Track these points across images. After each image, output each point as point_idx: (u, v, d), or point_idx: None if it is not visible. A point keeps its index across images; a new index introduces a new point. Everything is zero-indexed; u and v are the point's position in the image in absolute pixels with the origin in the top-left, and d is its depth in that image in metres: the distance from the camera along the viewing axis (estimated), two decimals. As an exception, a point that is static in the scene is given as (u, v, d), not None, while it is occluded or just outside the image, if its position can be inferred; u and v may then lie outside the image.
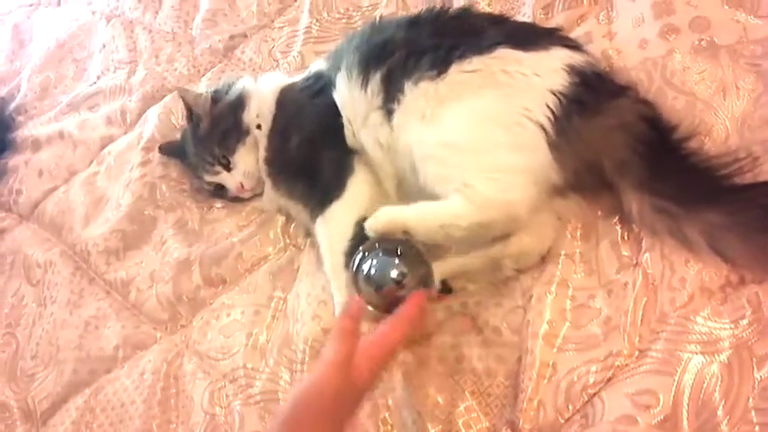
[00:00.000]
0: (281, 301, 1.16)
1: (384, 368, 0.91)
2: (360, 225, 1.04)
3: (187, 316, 1.23)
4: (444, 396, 0.96)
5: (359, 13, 1.45)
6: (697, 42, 1.03)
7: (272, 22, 1.55)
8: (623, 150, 0.93)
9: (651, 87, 1.03)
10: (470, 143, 0.97)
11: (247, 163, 1.23)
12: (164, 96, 1.55)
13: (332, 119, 1.13)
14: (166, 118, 1.48)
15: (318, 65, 1.24)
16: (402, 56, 1.05)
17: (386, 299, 0.93)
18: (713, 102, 0.98)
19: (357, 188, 1.11)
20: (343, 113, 1.13)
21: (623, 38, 1.11)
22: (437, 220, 0.94)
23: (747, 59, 0.99)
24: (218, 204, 1.33)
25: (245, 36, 1.57)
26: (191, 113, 1.29)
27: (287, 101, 1.22)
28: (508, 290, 1.01)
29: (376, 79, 1.07)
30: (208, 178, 1.26)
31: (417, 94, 1.03)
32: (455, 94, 1.00)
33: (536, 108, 0.95)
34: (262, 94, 1.24)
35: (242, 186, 1.24)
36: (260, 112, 1.22)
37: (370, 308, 0.95)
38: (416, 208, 0.96)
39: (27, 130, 1.72)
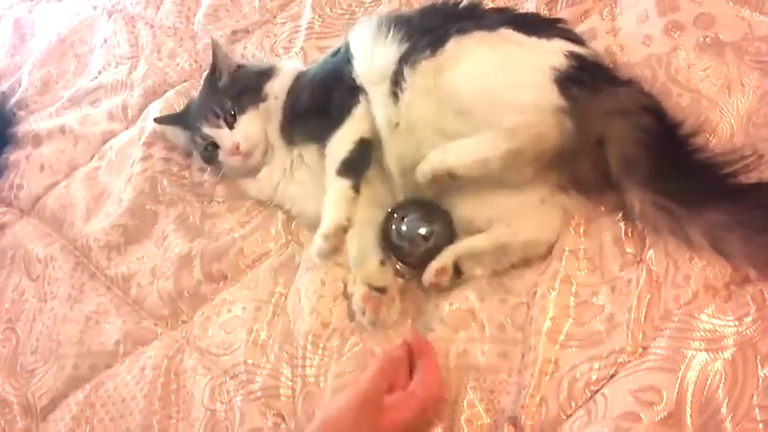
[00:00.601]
0: (282, 297, 1.15)
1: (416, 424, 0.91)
2: (361, 142, 1.11)
3: (188, 311, 1.22)
4: (446, 391, 0.95)
5: (361, 9, 1.45)
6: (702, 39, 1.03)
7: (275, 17, 1.55)
8: (629, 143, 0.93)
9: (655, 84, 1.02)
10: (485, 102, 1.00)
11: (252, 126, 1.21)
12: (165, 91, 1.55)
13: (343, 66, 1.16)
14: (168, 113, 1.47)
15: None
16: (417, 40, 1.08)
17: (416, 253, 1.05)
18: (718, 99, 0.98)
19: (360, 114, 1.13)
20: (355, 54, 1.15)
21: (627, 34, 1.11)
22: (474, 155, 0.98)
23: (752, 56, 0.99)
24: (219, 199, 1.33)
25: (248, 31, 1.56)
26: (215, 67, 1.28)
27: (301, 76, 1.25)
28: (512, 286, 1.00)
29: (400, 51, 1.09)
30: (206, 130, 1.22)
31: (417, 75, 1.05)
32: (454, 59, 1.03)
33: (540, 71, 0.98)
34: (287, 72, 1.26)
35: (237, 148, 1.20)
36: (280, 86, 1.23)
37: (399, 266, 1.08)
38: (454, 149, 1.00)
39: (28, 125, 1.72)
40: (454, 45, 1.04)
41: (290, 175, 1.22)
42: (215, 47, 1.28)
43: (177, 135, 1.38)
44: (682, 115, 0.97)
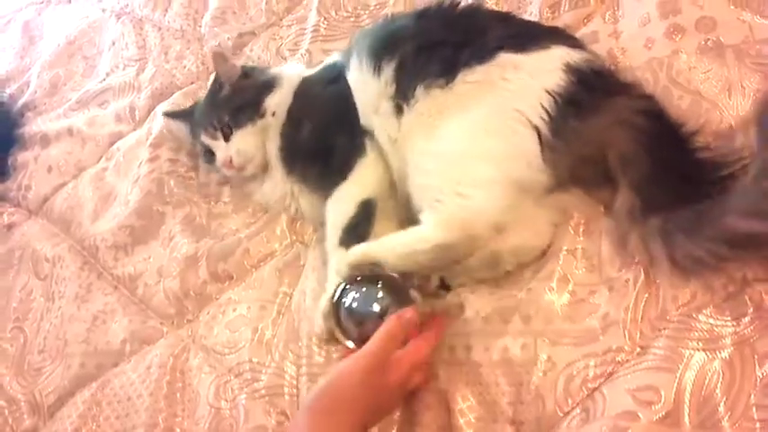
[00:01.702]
0: (287, 297, 1.16)
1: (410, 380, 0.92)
2: (364, 205, 1.09)
3: (194, 311, 1.24)
4: (441, 387, 0.97)
5: (366, 12, 1.45)
6: (703, 42, 1.04)
7: (281, 20, 1.56)
8: (627, 143, 0.93)
9: (657, 87, 1.03)
10: (453, 154, 1.01)
11: (246, 142, 1.22)
12: (172, 93, 1.56)
13: (345, 103, 1.15)
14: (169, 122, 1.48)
15: (334, 57, 1.27)
16: (413, 47, 1.07)
17: (367, 333, 0.94)
18: (719, 101, 0.98)
19: (365, 170, 1.12)
20: (355, 96, 1.14)
21: (629, 37, 1.11)
22: (402, 248, 0.99)
23: (753, 59, 0.99)
24: (225, 199, 1.34)
25: (254, 34, 1.58)
26: (217, 78, 1.29)
27: (302, 93, 1.24)
28: (508, 284, 1.01)
29: (390, 69, 1.08)
30: (204, 139, 1.24)
31: (428, 101, 1.05)
32: (456, 106, 1.02)
33: (530, 109, 0.97)
34: (289, 83, 1.25)
35: (230, 161, 1.21)
36: (279, 101, 1.23)
37: (348, 342, 0.98)
38: (384, 240, 1.01)
39: (36, 126, 1.74)
40: (461, 86, 1.03)
41: (291, 193, 1.23)
42: (216, 58, 1.28)
43: (182, 131, 1.39)
44: (683, 117, 0.97)
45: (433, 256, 0.97)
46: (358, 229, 1.09)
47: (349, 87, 1.16)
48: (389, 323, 0.91)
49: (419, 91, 1.05)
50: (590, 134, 0.96)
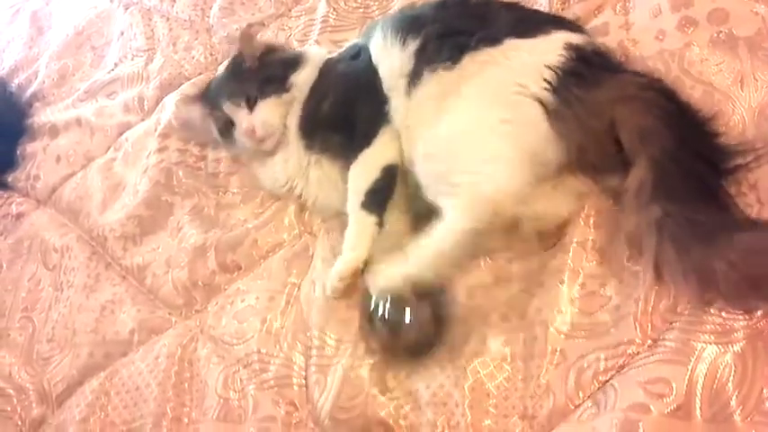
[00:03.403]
0: (296, 288, 1.16)
1: None
2: (388, 169, 1.10)
3: (202, 301, 1.24)
4: (449, 379, 0.97)
5: (376, 3, 1.45)
6: (716, 35, 1.03)
7: (290, 10, 1.56)
8: (643, 117, 0.93)
9: (668, 77, 1.02)
10: (462, 135, 1.01)
11: (270, 114, 1.21)
12: (181, 84, 1.56)
13: (368, 74, 1.16)
14: (184, 105, 1.48)
15: (354, 41, 1.29)
16: (435, 32, 1.08)
17: (401, 341, 0.97)
18: (731, 92, 0.98)
19: (389, 136, 1.12)
20: (378, 65, 1.15)
21: (640, 29, 1.11)
22: (433, 253, 0.98)
23: (766, 51, 0.99)
24: (234, 190, 1.34)
25: (263, 24, 1.57)
26: (242, 52, 1.29)
27: (326, 71, 1.25)
28: (519, 277, 1.00)
29: (413, 47, 1.09)
30: (226, 108, 1.23)
31: (433, 83, 1.05)
32: (459, 87, 1.03)
33: (531, 82, 0.98)
34: (313, 63, 1.26)
35: (252, 131, 1.20)
36: (305, 78, 1.23)
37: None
38: (412, 256, 0.99)
39: (44, 117, 1.74)
40: (468, 66, 1.04)
41: (306, 172, 1.22)
42: (245, 37, 1.29)
43: (196, 113, 1.35)
44: (695, 106, 0.97)
45: (467, 247, 0.97)
46: (380, 194, 1.10)
47: (371, 59, 1.17)
48: None
49: (426, 74, 1.06)
50: (595, 105, 0.96)
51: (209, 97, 1.32)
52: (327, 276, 1.08)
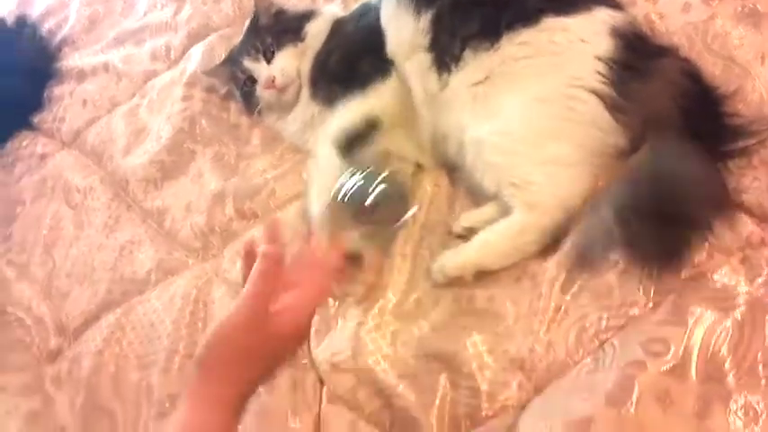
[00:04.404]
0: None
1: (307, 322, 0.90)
2: (371, 120, 1.13)
3: (219, 246, 1.27)
4: (451, 336, 0.98)
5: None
6: (740, 9, 1.04)
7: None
8: (668, 104, 0.94)
9: (692, 52, 1.03)
10: (526, 134, 1.01)
11: (288, 62, 1.25)
12: (208, 35, 1.58)
13: (374, 33, 1.18)
14: (209, 56, 1.51)
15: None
16: (450, 2, 1.09)
17: (356, 222, 1.01)
18: (751, 68, 0.99)
19: (382, 89, 1.15)
20: (385, 27, 1.17)
21: (667, 1, 1.12)
22: (505, 245, 1.00)
23: (788, 29, 1.00)
24: (255, 141, 1.37)
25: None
26: (257, 10, 1.34)
27: (337, 27, 1.28)
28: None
29: (427, 17, 1.10)
30: (246, 63, 1.28)
31: (476, 65, 1.06)
32: (509, 75, 1.03)
33: (586, 75, 0.98)
34: (326, 17, 1.30)
35: (272, 81, 1.24)
36: (318, 30, 1.27)
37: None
38: (479, 243, 1.01)
39: (73, 61, 1.78)
40: (508, 49, 1.03)
41: (312, 124, 1.25)
42: None
43: (221, 76, 1.41)
44: (716, 82, 0.99)
45: (539, 241, 0.98)
46: (356, 140, 1.12)
47: (379, 19, 1.18)
48: (260, 262, 0.84)
49: (467, 54, 1.06)
50: (647, 97, 0.96)
51: (230, 60, 1.36)
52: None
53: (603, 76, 0.97)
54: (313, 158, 1.18)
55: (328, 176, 1.08)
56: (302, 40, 1.26)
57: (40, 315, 1.35)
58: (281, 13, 1.33)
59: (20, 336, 1.35)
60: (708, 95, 0.97)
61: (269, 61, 1.25)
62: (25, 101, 1.73)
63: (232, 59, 1.35)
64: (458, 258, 1.02)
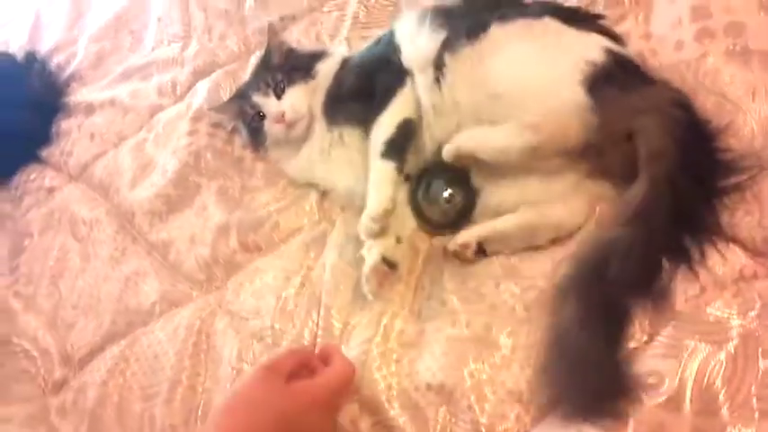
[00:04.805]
0: (312, 270, 1.20)
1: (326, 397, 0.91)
2: (404, 123, 1.15)
3: (222, 278, 1.29)
4: (451, 366, 1.00)
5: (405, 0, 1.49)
6: (731, 47, 1.06)
7: (322, 5, 1.59)
8: (661, 137, 0.95)
9: (683, 87, 1.05)
10: (516, 90, 1.06)
11: (299, 99, 1.27)
12: (213, 71, 1.61)
13: (388, 51, 1.22)
14: (215, 91, 1.54)
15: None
16: (461, 23, 1.14)
17: (437, 213, 1.16)
18: (742, 103, 1.01)
19: (404, 97, 1.17)
20: (401, 44, 1.21)
21: (660, 39, 1.14)
22: (494, 143, 1.05)
23: (779, 65, 1.02)
24: (258, 175, 1.39)
25: (294, 18, 1.61)
26: (269, 48, 1.36)
27: (347, 60, 1.32)
28: (524, 269, 1.04)
29: (438, 38, 1.15)
30: (255, 98, 1.29)
31: (458, 61, 1.11)
32: (495, 44, 1.08)
33: (570, 70, 1.02)
34: (336, 57, 1.33)
35: (282, 116, 1.25)
36: (329, 68, 1.30)
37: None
38: (478, 134, 1.07)
39: (81, 96, 1.80)
40: (496, 30, 1.09)
41: (328, 155, 1.26)
42: (270, 30, 1.37)
43: (229, 112, 1.42)
44: (707, 115, 1.00)
45: (523, 155, 1.02)
46: (399, 145, 1.14)
47: (390, 40, 1.23)
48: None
49: (448, 58, 1.12)
50: (621, 110, 0.99)
51: (238, 96, 1.38)
52: (360, 225, 1.12)
53: (585, 76, 1.01)
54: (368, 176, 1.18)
55: (382, 186, 1.12)
56: (313, 77, 1.29)
57: (45, 346, 1.37)
58: (291, 52, 1.36)
59: (25, 366, 1.37)
60: (700, 128, 0.99)
61: (279, 97, 1.28)
62: (34, 135, 1.76)
63: (241, 95, 1.37)
64: (461, 141, 1.08)
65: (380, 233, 1.11)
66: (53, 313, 1.41)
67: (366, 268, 1.10)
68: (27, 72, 1.88)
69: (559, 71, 1.03)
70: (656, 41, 1.15)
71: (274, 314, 1.17)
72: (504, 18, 1.10)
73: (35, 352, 1.37)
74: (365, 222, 1.10)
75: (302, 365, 0.93)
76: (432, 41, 1.16)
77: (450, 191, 1.15)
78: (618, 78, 1.01)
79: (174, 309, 1.29)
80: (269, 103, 1.28)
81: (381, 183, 1.12)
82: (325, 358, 0.96)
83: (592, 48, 1.04)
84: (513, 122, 1.02)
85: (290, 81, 1.28)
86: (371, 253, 1.11)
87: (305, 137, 1.28)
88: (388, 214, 1.10)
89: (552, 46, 1.07)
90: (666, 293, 0.91)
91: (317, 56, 1.33)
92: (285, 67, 1.31)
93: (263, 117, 1.29)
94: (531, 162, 1.03)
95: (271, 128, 1.29)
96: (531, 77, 1.05)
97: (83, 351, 1.32)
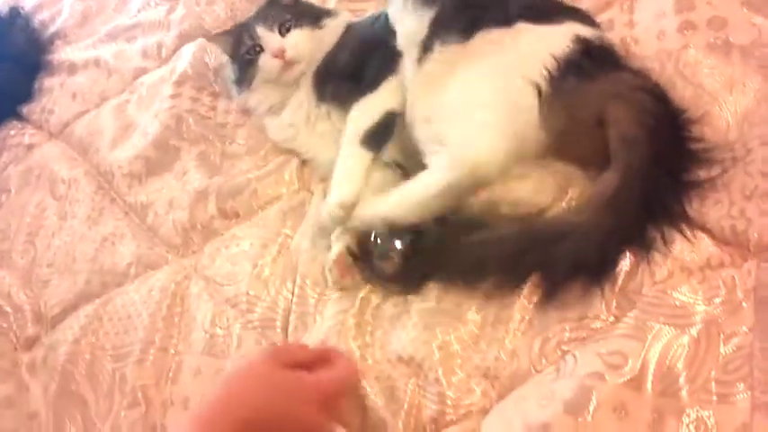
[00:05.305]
0: (288, 239, 1.21)
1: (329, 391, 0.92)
2: (389, 114, 1.15)
3: (199, 243, 1.29)
4: (420, 340, 1.01)
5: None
6: (712, 40, 1.07)
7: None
8: (631, 125, 0.97)
9: (662, 76, 1.06)
10: (457, 103, 1.06)
11: (303, 41, 1.25)
12: (199, 36, 1.60)
13: (384, 34, 1.21)
14: (200, 56, 1.53)
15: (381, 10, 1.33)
16: (452, 3, 1.14)
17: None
18: (719, 96, 1.02)
19: (394, 84, 1.17)
20: (395, 24, 1.21)
21: (643, 28, 1.15)
22: (411, 198, 1.04)
23: (758, 61, 1.03)
24: (240, 141, 1.39)
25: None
26: None
27: (346, 32, 1.31)
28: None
29: (429, 14, 1.14)
30: (259, 30, 1.26)
31: (443, 57, 1.10)
32: (466, 60, 1.07)
33: (533, 69, 1.02)
34: (342, 18, 1.33)
35: (282, 52, 1.23)
36: (333, 28, 1.30)
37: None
38: (390, 197, 1.06)
39: (64, 54, 1.79)
40: (479, 40, 1.08)
41: (314, 126, 1.26)
42: None
43: (225, 44, 1.39)
44: (684, 105, 1.02)
45: (443, 200, 1.02)
46: (380, 135, 1.15)
47: (388, 20, 1.22)
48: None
49: (437, 45, 1.11)
50: (586, 97, 1.00)
51: (240, 27, 1.35)
52: (326, 208, 1.12)
53: (549, 72, 1.02)
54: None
55: (356, 173, 1.12)
56: (320, 28, 1.28)
57: (19, 303, 1.37)
58: (300, 1, 1.35)
59: (-2, 322, 1.37)
60: (674, 116, 1.00)
61: (282, 35, 1.26)
62: (14, 91, 1.75)
63: (243, 25, 1.34)
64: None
65: (344, 220, 1.10)
66: (28, 270, 1.41)
67: (330, 258, 1.11)
68: (10, 28, 1.86)
69: (510, 92, 1.03)
70: (639, 30, 1.15)
71: (249, 281, 1.18)
72: (488, 25, 1.09)
73: (8, 308, 1.37)
74: (333, 209, 1.10)
75: (305, 362, 0.93)
76: (419, 20, 1.15)
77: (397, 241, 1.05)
78: (583, 67, 1.02)
79: (150, 271, 1.29)
80: (271, 37, 1.26)
81: (355, 171, 1.13)
82: (325, 361, 0.96)
83: (558, 41, 1.04)
84: (433, 158, 1.05)
85: (297, 23, 1.26)
86: (337, 243, 1.11)
87: (289, 94, 1.28)
88: (355, 204, 1.10)
89: (514, 56, 1.06)
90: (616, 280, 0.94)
91: (327, 12, 1.33)
92: (295, 9, 1.30)
93: (259, 51, 1.27)
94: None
95: (266, 63, 1.26)
96: (478, 98, 1.05)
97: (56, 309, 1.33)
